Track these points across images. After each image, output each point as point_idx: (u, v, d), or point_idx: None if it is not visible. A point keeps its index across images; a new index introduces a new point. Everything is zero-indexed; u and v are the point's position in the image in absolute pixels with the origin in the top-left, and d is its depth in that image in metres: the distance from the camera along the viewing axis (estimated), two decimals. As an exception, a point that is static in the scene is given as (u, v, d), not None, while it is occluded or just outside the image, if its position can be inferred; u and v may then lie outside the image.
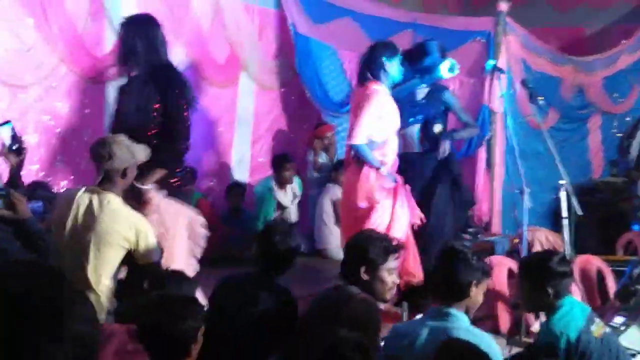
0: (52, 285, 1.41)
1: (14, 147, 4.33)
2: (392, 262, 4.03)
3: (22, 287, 1.37)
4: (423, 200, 6.45)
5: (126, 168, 4.38)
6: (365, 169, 5.96)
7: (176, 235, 5.04)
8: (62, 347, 1.33)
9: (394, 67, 6.13)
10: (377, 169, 5.93)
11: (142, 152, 4.49)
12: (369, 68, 6.12)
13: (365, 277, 3.97)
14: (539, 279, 4.06)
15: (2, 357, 1.29)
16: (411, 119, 6.58)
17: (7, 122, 4.41)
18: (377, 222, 5.87)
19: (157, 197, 5.00)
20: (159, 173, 5.00)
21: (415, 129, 6.66)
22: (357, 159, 6.05)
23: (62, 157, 6.17)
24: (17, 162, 4.41)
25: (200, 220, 5.14)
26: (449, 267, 3.76)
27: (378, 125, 5.96)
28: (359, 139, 5.91)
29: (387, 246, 4.02)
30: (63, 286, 1.42)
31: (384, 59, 6.07)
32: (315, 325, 3.83)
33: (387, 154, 6.05)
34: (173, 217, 5.02)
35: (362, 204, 5.95)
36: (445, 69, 6.58)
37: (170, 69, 5.28)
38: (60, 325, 1.34)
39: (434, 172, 6.61)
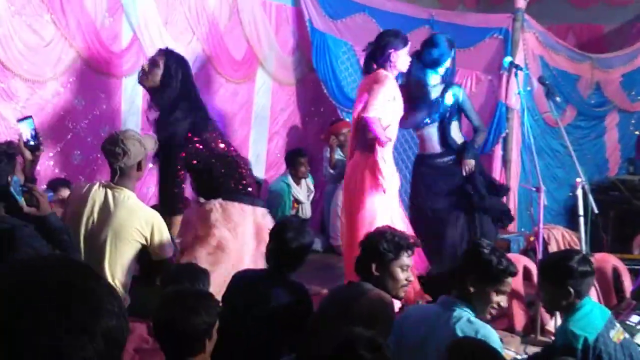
0: (86, 279, 1.41)
1: (31, 143, 4.34)
2: (405, 259, 3.99)
3: (56, 280, 1.36)
4: (439, 213, 6.49)
5: (140, 161, 4.45)
6: (374, 156, 5.90)
7: (245, 236, 5.32)
8: (94, 341, 1.33)
9: (401, 59, 6.04)
10: (381, 142, 5.84)
11: (150, 142, 4.58)
12: (375, 58, 6.07)
13: (376, 273, 3.94)
14: (560, 278, 4.03)
15: (34, 351, 1.29)
16: (427, 119, 6.55)
17: (28, 117, 4.42)
18: (380, 211, 5.90)
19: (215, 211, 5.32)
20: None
21: (432, 129, 6.63)
22: (364, 147, 6.01)
23: (79, 153, 6.20)
24: (32, 158, 4.44)
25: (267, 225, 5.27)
26: (468, 263, 3.80)
27: (387, 109, 5.91)
28: (373, 113, 5.82)
29: (399, 242, 3.98)
30: (95, 280, 1.42)
31: (390, 50, 6.00)
32: (327, 322, 3.81)
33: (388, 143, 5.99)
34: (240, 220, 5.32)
35: (370, 190, 5.92)
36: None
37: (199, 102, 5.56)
38: (93, 320, 1.34)
39: (456, 189, 6.59)
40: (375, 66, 6.06)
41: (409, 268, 4.03)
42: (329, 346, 2.95)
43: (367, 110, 5.82)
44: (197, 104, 5.50)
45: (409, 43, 6.16)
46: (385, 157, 5.88)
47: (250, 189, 5.54)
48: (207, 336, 3.15)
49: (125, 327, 1.41)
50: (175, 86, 5.36)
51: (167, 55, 5.47)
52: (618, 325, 4.06)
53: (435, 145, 6.61)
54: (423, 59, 6.55)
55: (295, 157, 8.31)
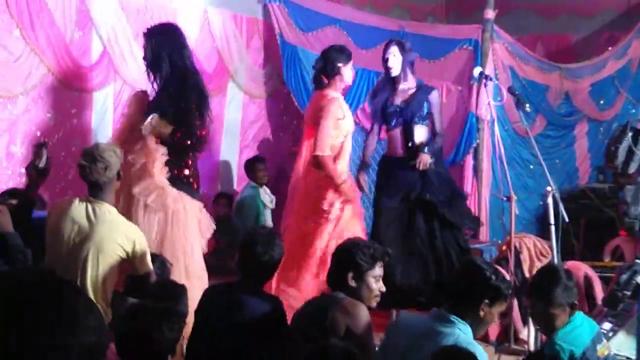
0: (64, 293, 1.39)
1: (39, 165, 4.42)
2: (378, 270, 4.01)
3: (29, 293, 1.35)
4: (396, 212, 6.48)
5: (119, 170, 4.46)
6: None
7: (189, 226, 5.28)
8: (69, 357, 1.32)
9: (348, 72, 6.23)
10: (335, 179, 5.97)
11: (119, 149, 4.56)
12: (325, 73, 6.20)
13: (352, 283, 3.95)
14: (553, 298, 4.04)
15: None
16: (393, 121, 6.53)
17: (45, 143, 4.63)
18: (327, 234, 6.00)
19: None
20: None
21: (397, 132, 6.62)
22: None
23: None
24: (36, 181, 4.46)
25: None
26: (465, 278, 3.77)
27: (335, 132, 6.08)
28: (324, 149, 5.98)
29: (374, 253, 4.00)
30: (75, 295, 1.41)
31: (339, 64, 6.15)
32: (302, 332, 3.83)
33: (344, 157, 6.16)
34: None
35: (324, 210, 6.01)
36: None
37: (186, 74, 5.39)
38: (69, 336, 1.32)
39: (416, 185, 6.52)
40: (326, 80, 6.21)
41: (380, 278, 4.04)
42: (304, 357, 2.95)
43: (317, 148, 5.98)
44: (188, 85, 5.38)
45: (352, 58, 6.32)
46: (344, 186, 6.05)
47: None
48: (170, 352, 3.12)
49: (104, 343, 1.40)
50: (165, 66, 5.32)
51: (149, 35, 5.43)
52: (605, 341, 4.09)
53: (397, 147, 6.55)
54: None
55: (253, 164, 8.34)
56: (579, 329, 4.00)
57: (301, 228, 6.15)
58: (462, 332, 3.55)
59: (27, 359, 1.28)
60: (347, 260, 4.00)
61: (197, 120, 5.36)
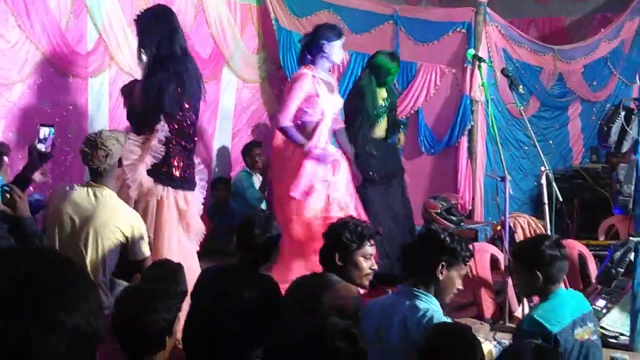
0: (62, 273, 1.35)
1: (42, 149, 4.42)
2: (368, 248, 4.02)
3: (28, 272, 1.31)
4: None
5: (120, 157, 4.53)
6: (305, 161, 6.07)
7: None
8: (60, 336, 1.27)
9: (333, 50, 6.20)
10: (302, 145, 6.05)
11: (122, 137, 4.59)
12: (309, 50, 6.24)
13: (340, 263, 3.97)
14: (529, 262, 4.06)
15: None
16: None
17: (51, 126, 4.58)
18: (312, 206, 6.04)
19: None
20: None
21: None
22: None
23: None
24: (35, 163, 4.50)
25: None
26: (421, 246, 3.80)
27: (310, 110, 6.12)
28: (284, 121, 6.08)
29: (362, 232, 4.01)
30: (74, 275, 1.36)
31: (323, 41, 6.16)
32: (295, 313, 3.84)
33: (320, 137, 6.15)
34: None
35: (296, 193, 6.04)
36: None
37: (174, 59, 5.19)
38: (61, 315, 1.27)
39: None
40: (309, 56, 6.23)
41: (371, 257, 4.06)
42: (300, 338, 2.96)
43: (279, 121, 6.13)
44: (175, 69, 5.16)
45: (344, 37, 6.32)
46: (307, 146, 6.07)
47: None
48: (167, 334, 3.12)
49: (99, 325, 1.35)
50: (150, 48, 5.15)
51: (138, 19, 5.33)
52: (591, 325, 4.01)
53: None
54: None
55: (251, 147, 8.38)
56: (559, 308, 3.96)
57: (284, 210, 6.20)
58: (430, 304, 3.59)
59: (11, 341, 1.24)
60: (335, 239, 4.02)
61: (175, 111, 5.10)
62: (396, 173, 7.18)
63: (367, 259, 4.03)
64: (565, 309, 3.97)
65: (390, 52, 7.36)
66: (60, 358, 1.27)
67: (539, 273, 4.00)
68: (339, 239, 3.99)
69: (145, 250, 4.53)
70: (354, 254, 3.98)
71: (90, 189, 4.45)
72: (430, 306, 3.58)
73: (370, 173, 6.84)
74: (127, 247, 4.47)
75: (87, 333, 1.31)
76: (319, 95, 6.15)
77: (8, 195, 3.82)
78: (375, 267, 4.10)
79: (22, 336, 1.24)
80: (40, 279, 1.31)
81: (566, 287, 5.66)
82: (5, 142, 5.58)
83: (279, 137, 6.39)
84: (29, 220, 3.86)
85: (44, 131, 4.48)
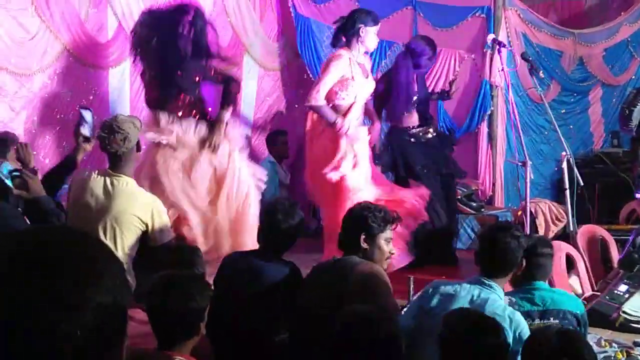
0: (79, 250, 1.31)
1: (86, 133, 4.57)
2: (389, 232, 4.08)
3: (49, 248, 1.29)
4: None
5: (138, 141, 4.53)
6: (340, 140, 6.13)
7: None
8: (83, 316, 1.23)
9: (370, 36, 6.20)
10: (334, 124, 6.06)
11: (138, 121, 4.59)
12: (345, 32, 6.23)
13: (364, 245, 4.01)
14: None
15: (15, 322, 1.21)
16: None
17: (89, 109, 4.74)
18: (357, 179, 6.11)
19: None
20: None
21: None
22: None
23: (67, 144, 6.23)
24: (81, 146, 4.60)
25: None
26: (499, 243, 3.85)
27: (343, 93, 6.12)
28: (316, 100, 6.06)
29: (385, 216, 4.07)
30: (91, 252, 1.33)
31: (360, 24, 6.14)
32: (320, 299, 3.88)
33: (351, 120, 6.16)
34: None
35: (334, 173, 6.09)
36: None
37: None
38: (81, 293, 1.24)
39: None
40: (344, 39, 6.23)
41: (391, 240, 4.13)
42: (332, 327, 2.97)
43: (309, 99, 6.13)
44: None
45: (379, 24, 6.34)
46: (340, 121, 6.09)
47: None
48: (202, 319, 3.17)
49: (122, 304, 1.31)
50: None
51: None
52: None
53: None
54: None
55: (276, 136, 8.34)
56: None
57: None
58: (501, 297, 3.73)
59: (36, 317, 1.21)
60: (360, 222, 4.06)
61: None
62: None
63: (388, 243, 4.09)
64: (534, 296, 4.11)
65: (427, 36, 7.31)
66: (88, 334, 1.24)
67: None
68: (365, 221, 4.03)
69: (166, 235, 4.52)
70: (377, 237, 4.04)
71: (107, 178, 4.45)
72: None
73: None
74: (147, 234, 4.46)
75: (113, 309, 1.28)
76: (354, 78, 6.13)
77: (18, 180, 3.88)
78: (394, 251, 4.15)
79: (44, 317, 1.21)
80: (63, 254, 1.29)
81: (588, 272, 5.69)
82: (10, 132, 5.60)
83: (310, 120, 6.39)
84: (45, 199, 3.92)
85: (86, 115, 4.57)
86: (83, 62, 6.30)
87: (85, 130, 4.54)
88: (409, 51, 6.92)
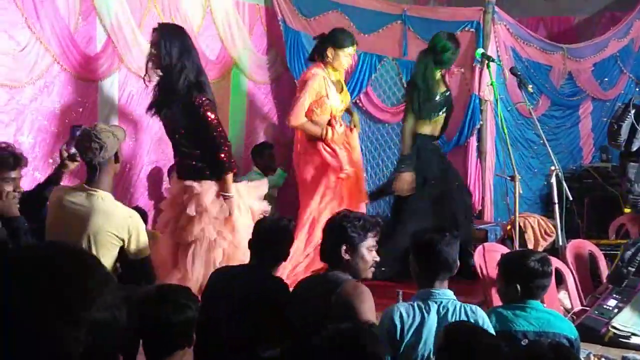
0: (77, 266, 1.34)
1: (70, 151, 4.63)
2: (370, 240, 4.00)
3: (47, 265, 1.31)
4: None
5: (116, 152, 4.41)
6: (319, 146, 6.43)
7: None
8: (78, 332, 1.26)
9: (339, 58, 6.49)
10: (320, 136, 6.40)
11: (121, 133, 4.51)
12: (318, 50, 6.55)
13: (346, 256, 3.93)
14: (511, 274, 4.20)
15: (12, 338, 1.23)
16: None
17: (79, 127, 4.70)
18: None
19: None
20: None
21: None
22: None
23: (57, 156, 6.20)
24: (65, 164, 4.64)
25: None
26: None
27: (319, 110, 6.38)
28: (297, 119, 6.39)
29: (364, 224, 3.99)
30: (88, 268, 1.35)
31: (329, 46, 6.47)
32: (305, 316, 3.84)
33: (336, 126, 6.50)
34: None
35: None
36: None
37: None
38: (80, 310, 1.27)
39: None
40: (316, 57, 6.55)
41: (374, 248, 4.04)
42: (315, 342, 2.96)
43: (290, 120, 6.51)
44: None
45: (355, 45, 6.63)
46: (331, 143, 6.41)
47: None
48: (194, 330, 3.18)
49: (119, 320, 1.33)
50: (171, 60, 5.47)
51: (161, 30, 5.59)
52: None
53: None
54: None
55: (262, 149, 8.26)
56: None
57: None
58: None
59: (35, 331, 1.24)
60: (339, 233, 3.99)
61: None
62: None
63: (370, 251, 4.01)
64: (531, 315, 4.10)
65: (450, 33, 7.33)
66: (86, 350, 1.27)
67: (518, 287, 4.12)
68: (344, 232, 3.96)
69: (144, 250, 4.41)
70: (359, 246, 3.96)
71: (82, 193, 4.35)
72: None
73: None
74: (124, 249, 4.34)
75: (111, 324, 1.30)
76: (328, 96, 6.27)
77: None
78: (378, 258, 4.08)
79: (51, 331, 1.24)
80: (64, 272, 1.31)
81: (577, 287, 5.69)
82: None
83: (299, 142, 6.68)
84: (18, 220, 3.96)
85: (78, 133, 4.54)
86: (73, 74, 6.28)
87: (72, 149, 4.52)
88: (430, 45, 7.08)
